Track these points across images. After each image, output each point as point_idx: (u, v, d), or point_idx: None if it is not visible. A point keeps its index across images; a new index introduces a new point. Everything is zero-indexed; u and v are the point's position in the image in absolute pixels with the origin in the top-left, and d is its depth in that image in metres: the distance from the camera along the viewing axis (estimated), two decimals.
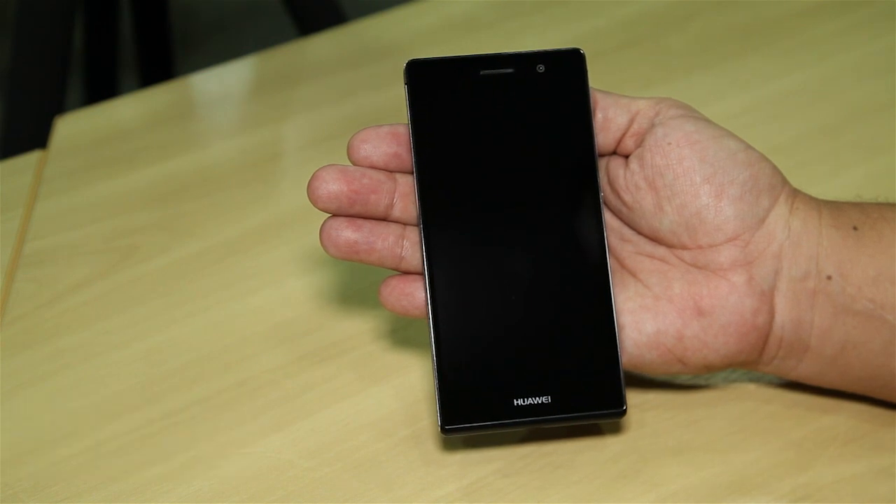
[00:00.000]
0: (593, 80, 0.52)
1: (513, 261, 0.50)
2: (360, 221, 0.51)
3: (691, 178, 0.50)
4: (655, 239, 0.52)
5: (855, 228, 0.50)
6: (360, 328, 0.58)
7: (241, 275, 0.62)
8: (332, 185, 0.51)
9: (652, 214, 0.51)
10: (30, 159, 0.70)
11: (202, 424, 0.54)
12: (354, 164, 0.51)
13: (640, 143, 0.51)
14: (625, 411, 0.50)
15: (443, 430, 0.49)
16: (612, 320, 0.50)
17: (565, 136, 0.51)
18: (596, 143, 0.51)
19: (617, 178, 0.52)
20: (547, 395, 0.50)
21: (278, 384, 0.56)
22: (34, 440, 0.54)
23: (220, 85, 0.78)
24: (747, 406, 0.53)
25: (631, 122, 0.52)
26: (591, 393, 0.50)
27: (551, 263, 0.50)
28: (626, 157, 0.52)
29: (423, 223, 0.50)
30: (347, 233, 0.51)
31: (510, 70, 0.51)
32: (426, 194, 0.50)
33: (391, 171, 0.52)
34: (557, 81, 0.51)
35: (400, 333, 0.58)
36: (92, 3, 1.25)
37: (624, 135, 0.52)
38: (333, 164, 0.51)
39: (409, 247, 0.51)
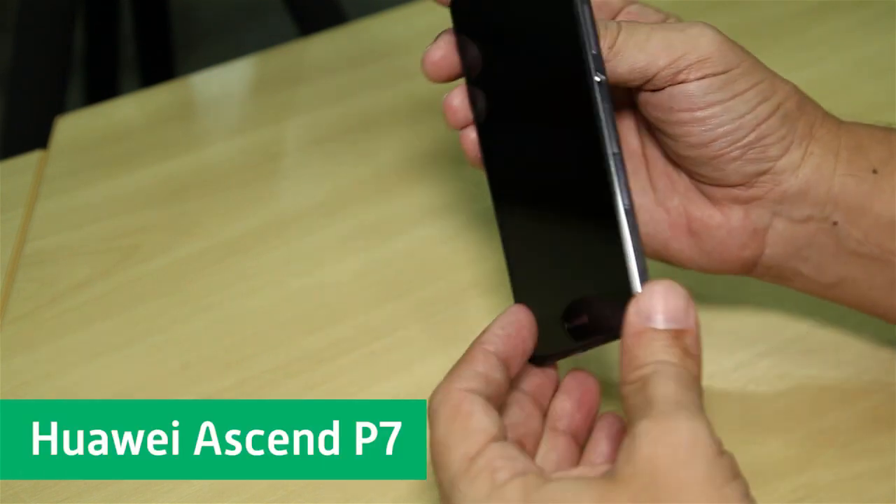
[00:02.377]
0: None
1: (540, 182, 0.48)
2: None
3: (701, 136, 0.48)
4: (676, 159, 0.51)
5: (874, 171, 0.49)
6: (361, 328, 0.58)
7: (241, 274, 0.62)
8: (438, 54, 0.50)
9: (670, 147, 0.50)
10: (30, 159, 0.70)
11: None
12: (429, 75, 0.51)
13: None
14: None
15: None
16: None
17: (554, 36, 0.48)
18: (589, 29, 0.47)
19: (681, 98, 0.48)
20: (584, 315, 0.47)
21: (279, 384, 0.56)
22: None
23: (221, 85, 0.78)
24: (747, 406, 0.53)
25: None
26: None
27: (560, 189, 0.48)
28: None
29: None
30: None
31: None
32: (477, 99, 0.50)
33: None
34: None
35: (401, 333, 0.58)
36: (92, 3, 1.24)
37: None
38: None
39: None
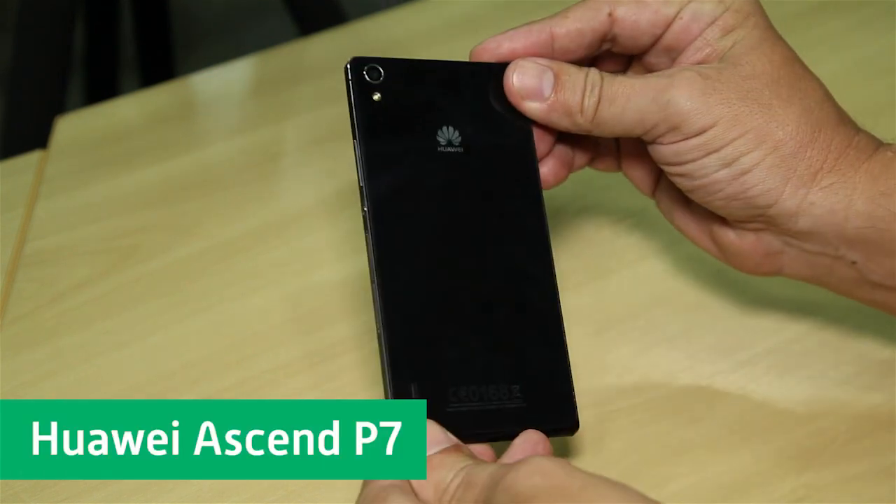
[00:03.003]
0: None
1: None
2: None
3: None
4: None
5: None
6: (361, 328, 0.58)
7: (241, 274, 0.62)
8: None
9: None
10: (30, 159, 0.70)
11: None
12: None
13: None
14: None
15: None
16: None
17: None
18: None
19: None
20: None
21: (279, 384, 0.56)
22: None
23: (221, 85, 0.78)
24: (747, 406, 0.53)
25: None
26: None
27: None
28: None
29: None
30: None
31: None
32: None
33: None
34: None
35: None
36: (92, 3, 1.24)
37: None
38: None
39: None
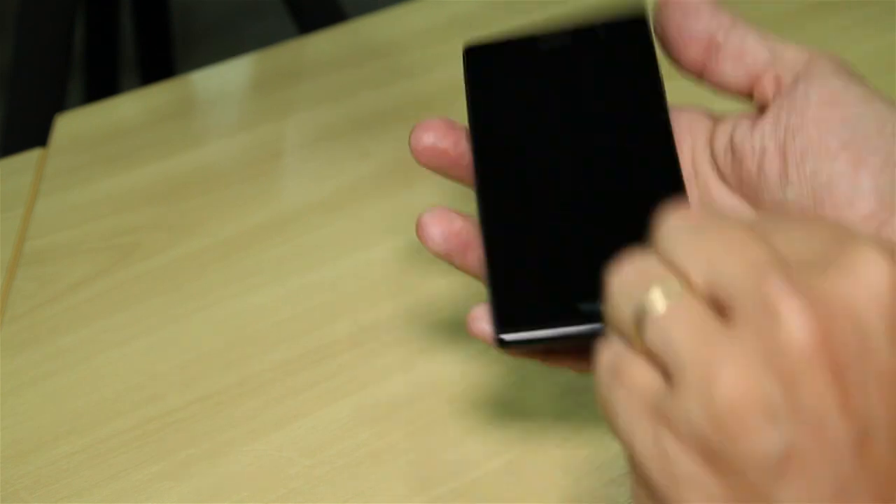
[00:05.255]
0: None
1: (576, 180, 0.45)
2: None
3: (827, 141, 0.43)
4: None
5: None
6: (362, 326, 0.58)
7: (242, 272, 0.62)
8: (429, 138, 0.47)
9: (776, 184, 0.44)
10: (30, 157, 0.70)
11: (203, 422, 0.54)
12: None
13: (779, 93, 0.44)
14: None
15: (498, 340, 0.41)
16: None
17: (634, 104, 0.47)
18: (667, 104, 0.46)
19: (743, 142, 0.45)
20: None
21: (279, 382, 0.56)
22: (35, 438, 0.54)
23: (221, 83, 0.78)
24: None
25: (773, 62, 0.45)
26: None
27: (619, 186, 0.45)
28: (760, 110, 0.45)
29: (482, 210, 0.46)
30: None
31: (570, 43, 0.48)
32: (486, 186, 0.46)
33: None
34: (622, 49, 0.47)
35: (403, 330, 0.58)
36: (92, 2, 1.25)
37: (762, 75, 0.45)
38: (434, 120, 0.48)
39: None
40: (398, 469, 0.51)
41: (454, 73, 0.52)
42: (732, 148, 0.46)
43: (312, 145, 0.71)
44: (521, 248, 0.44)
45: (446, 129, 0.48)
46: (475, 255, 0.46)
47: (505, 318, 0.42)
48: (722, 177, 0.46)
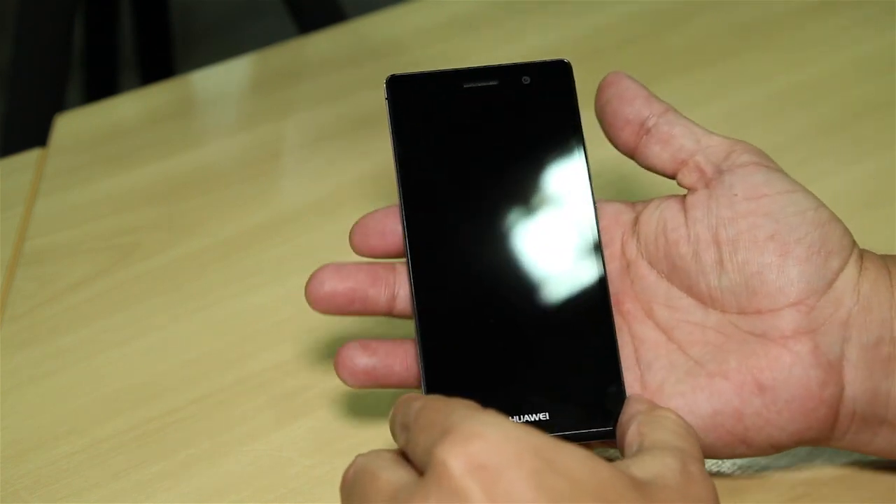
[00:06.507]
0: (595, 77, 0.52)
1: (505, 278, 0.48)
2: (374, 346, 0.49)
3: (755, 234, 0.46)
4: (710, 302, 0.47)
5: None
6: (361, 326, 0.58)
7: (241, 272, 0.62)
8: (327, 286, 0.49)
9: (712, 270, 0.47)
10: (30, 157, 0.70)
11: (202, 422, 0.54)
12: (358, 250, 0.50)
13: (705, 183, 0.48)
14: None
15: None
16: (612, 337, 0.48)
17: (554, 149, 0.50)
18: (586, 154, 0.50)
19: (677, 227, 0.48)
20: (545, 412, 0.47)
21: (279, 382, 0.56)
22: (35, 438, 0.54)
23: (220, 83, 0.78)
24: None
25: (696, 152, 0.48)
26: (589, 412, 0.47)
27: (547, 282, 0.48)
28: (687, 192, 0.49)
29: (408, 246, 0.49)
30: (363, 360, 0.49)
31: (494, 83, 0.51)
32: (412, 215, 0.49)
33: (394, 259, 0.50)
34: (544, 94, 0.50)
35: (403, 330, 0.58)
36: (92, 2, 1.25)
37: (686, 161, 0.48)
38: (330, 264, 0.50)
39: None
40: None
41: None
42: (665, 233, 0.48)
43: (312, 145, 0.71)
44: (453, 354, 0.48)
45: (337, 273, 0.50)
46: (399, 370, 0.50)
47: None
48: (651, 262, 0.49)
